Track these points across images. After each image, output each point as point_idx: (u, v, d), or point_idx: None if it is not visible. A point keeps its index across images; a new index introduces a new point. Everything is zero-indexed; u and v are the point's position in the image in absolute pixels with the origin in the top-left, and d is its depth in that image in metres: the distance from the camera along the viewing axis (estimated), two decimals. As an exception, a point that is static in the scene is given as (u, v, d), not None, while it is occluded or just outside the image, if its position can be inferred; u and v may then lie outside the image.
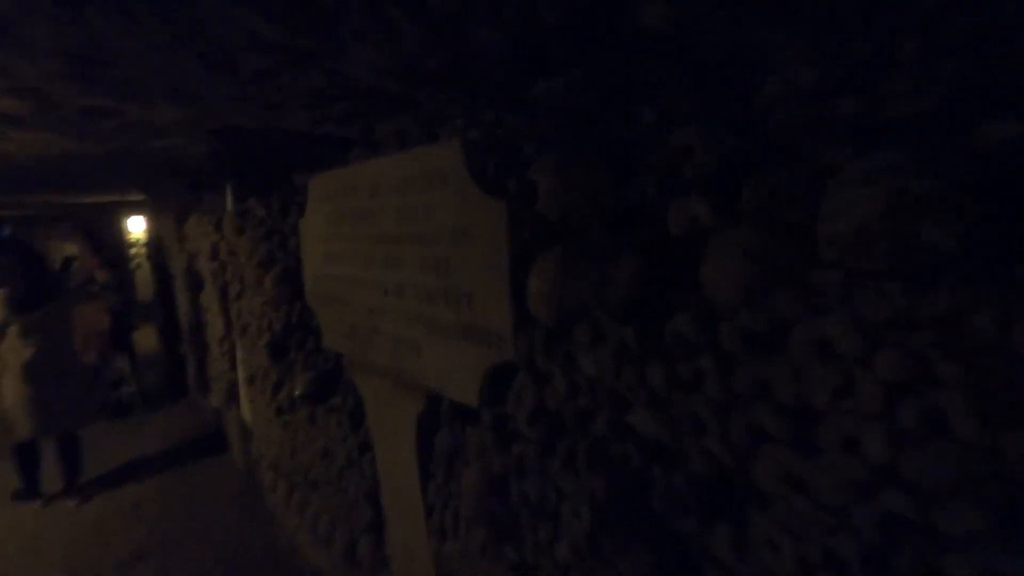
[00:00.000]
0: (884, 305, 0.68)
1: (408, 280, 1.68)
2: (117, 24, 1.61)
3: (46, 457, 4.06)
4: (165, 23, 1.65)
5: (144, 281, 7.24)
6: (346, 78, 2.35)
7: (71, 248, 5.78)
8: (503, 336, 1.33)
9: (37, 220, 7.93)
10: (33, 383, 3.79)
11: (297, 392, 2.40)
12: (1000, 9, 0.74)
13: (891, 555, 0.72)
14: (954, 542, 0.67)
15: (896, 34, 0.85)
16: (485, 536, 1.44)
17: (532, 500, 1.30)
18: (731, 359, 0.86)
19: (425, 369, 1.67)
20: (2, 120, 2.66)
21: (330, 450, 2.41)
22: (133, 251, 7.29)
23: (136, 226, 7.63)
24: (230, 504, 3.85)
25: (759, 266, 0.80)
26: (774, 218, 0.83)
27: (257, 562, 3.13)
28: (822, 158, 0.81)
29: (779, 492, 0.81)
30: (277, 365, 2.76)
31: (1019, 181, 0.65)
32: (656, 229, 1.02)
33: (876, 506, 0.71)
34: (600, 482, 1.10)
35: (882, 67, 0.84)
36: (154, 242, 6.39)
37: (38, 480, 4.06)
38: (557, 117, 1.33)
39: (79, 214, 7.24)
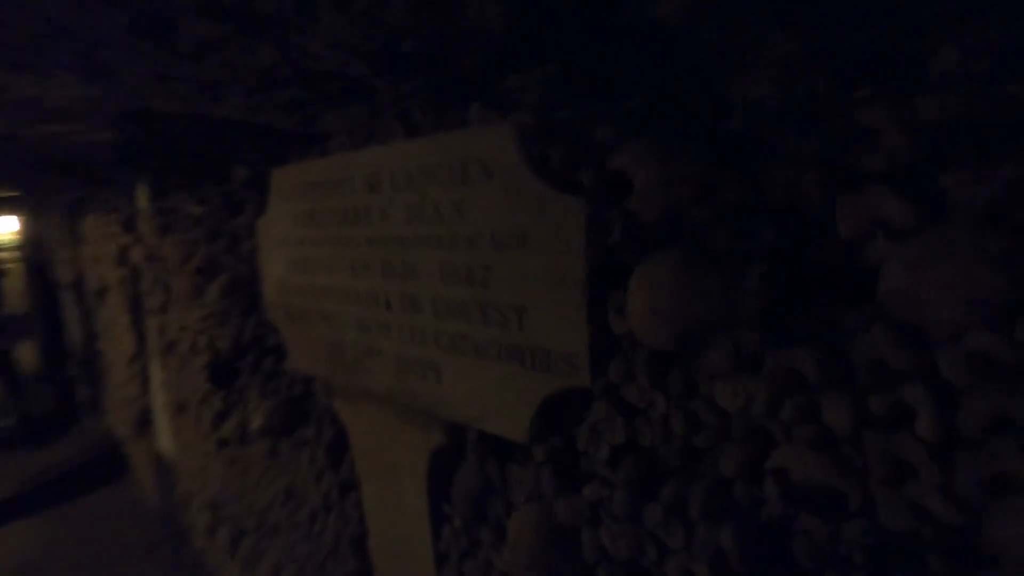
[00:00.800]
0: None
1: (425, 291, 1.41)
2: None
3: None
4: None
5: (13, 291, 6.14)
6: (305, 56, 2.01)
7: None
8: (573, 359, 1.11)
9: None
10: None
11: (256, 424, 2.02)
12: None
13: None
14: None
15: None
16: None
17: (615, 555, 1.09)
18: (954, 391, 0.70)
19: (446, 396, 1.41)
20: None
21: (297, 490, 2.05)
22: (2, 255, 6.18)
23: (4, 226, 6.48)
24: (144, 555, 3.27)
25: (1001, 277, 0.65)
26: (1007, 219, 0.68)
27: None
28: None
29: (1028, 555, 0.66)
30: (222, 390, 2.33)
31: None
32: (812, 232, 0.85)
33: None
34: (727, 534, 0.92)
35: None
36: (32, 245, 5.44)
37: None
38: (641, 96, 1.13)
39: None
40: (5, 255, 6.55)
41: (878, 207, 0.77)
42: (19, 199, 5.28)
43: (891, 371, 0.74)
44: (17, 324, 5.88)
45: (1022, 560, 0.68)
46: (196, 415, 2.59)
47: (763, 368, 0.83)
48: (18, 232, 6.08)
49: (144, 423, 3.61)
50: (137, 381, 3.48)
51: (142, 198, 3.16)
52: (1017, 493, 0.67)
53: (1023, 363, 0.66)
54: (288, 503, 2.10)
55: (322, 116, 2.94)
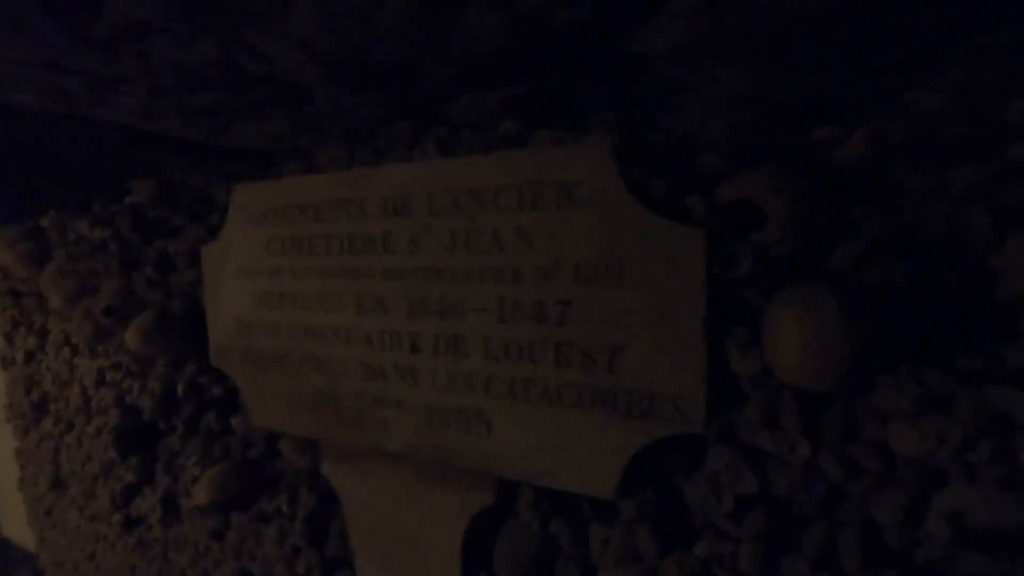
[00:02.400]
0: None
1: (474, 330, 1.22)
2: None
3: None
4: None
5: None
6: (251, 56, 1.73)
7: None
8: (682, 403, 1.01)
9: None
10: None
11: (200, 499, 1.62)
12: None
13: None
14: None
15: None
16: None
17: (740, 614, 0.99)
18: None
19: (498, 450, 1.23)
20: None
21: (255, 574, 1.68)
22: None
23: None
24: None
25: None
26: None
27: None
28: None
29: None
30: (135, 457, 1.85)
31: None
32: (955, 265, 0.86)
33: None
34: (889, 581, 0.88)
35: None
36: None
37: None
38: (747, 122, 1.09)
39: None
40: None
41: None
42: None
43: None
44: None
45: None
46: (86, 492, 2.04)
47: (953, 408, 0.80)
48: None
49: (-23, 504, 2.80)
50: (-29, 450, 2.69)
51: (-11, 216, 2.49)
52: None
53: None
54: (241, 592, 1.71)
55: (234, 127, 2.56)
